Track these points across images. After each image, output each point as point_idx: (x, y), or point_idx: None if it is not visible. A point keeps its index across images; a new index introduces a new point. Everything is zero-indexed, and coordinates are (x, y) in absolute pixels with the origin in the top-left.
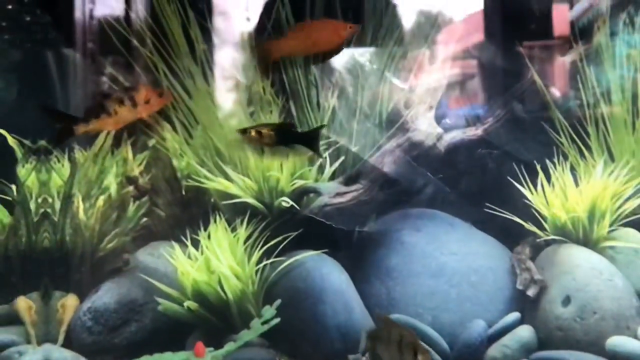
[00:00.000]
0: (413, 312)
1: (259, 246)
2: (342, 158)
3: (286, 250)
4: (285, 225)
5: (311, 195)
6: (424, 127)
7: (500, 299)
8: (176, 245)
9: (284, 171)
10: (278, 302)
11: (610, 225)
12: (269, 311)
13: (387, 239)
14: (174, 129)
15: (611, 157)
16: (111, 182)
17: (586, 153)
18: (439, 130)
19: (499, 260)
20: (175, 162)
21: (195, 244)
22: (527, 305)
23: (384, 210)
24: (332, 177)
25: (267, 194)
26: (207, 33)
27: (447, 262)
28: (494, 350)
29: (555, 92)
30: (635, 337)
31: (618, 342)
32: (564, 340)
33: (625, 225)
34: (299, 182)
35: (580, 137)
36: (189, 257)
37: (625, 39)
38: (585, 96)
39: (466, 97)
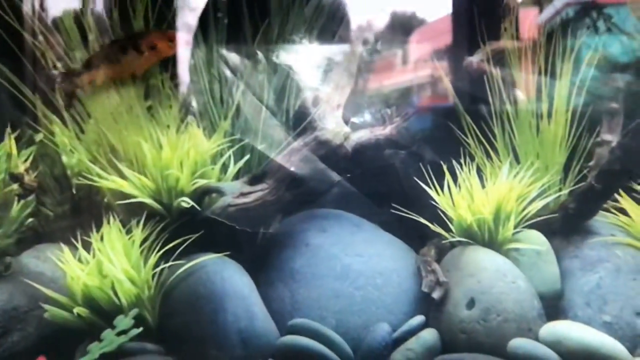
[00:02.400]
0: (317, 316)
1: (157, 249)
2: (247, 156)
3: (186, 253)
4: (185, 227)
5: (213, 195)
6: (332, 125)
7: (405, 301)
8: (65, 248)
9: (184, 169)
10: (135, 311)
11: (515, 227)
12: (123, 321)
13: (292, 240)
14: (64, 123)
15: (516, 158)
16: None
17: (492, 154)
18: (347, 129)
19: (404, 262)
20: (65, 159)
21: (87, 246)
22: (432, 308)
23: (289, 210)
24: (236, 176)
25: (166, 193)
26: (102, 23)
27: (352, 264)
28: (398, 354)
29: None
30: (537, 339)
31: (519, 344)
32: (468, 343)
33: (529, 227)
34: (201, 182)
35: (487, 138)
36: (80, 260)
37: (587, 42)
38: (491, 97)
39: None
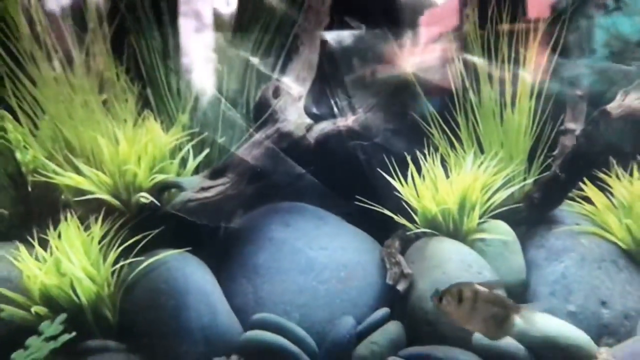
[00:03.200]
0: (281, 310)
1: (116, 246)
2: (207, 150)
3: (146, 249)
4: (145, 223)
5: (173, 190)
6: (294, 117)
7: (370, 294)
8: (21, 246)
9: (142, 165)
10: (63, 316)
11: (480, 217)
12: (50, 327)
13: (255, 234)
14: (17, 119)
15: (481, 148)
16: None
17: (456, 144)
18: (309, 120)
19: (369, 254)
20: (19, 156)
21: (44, 244)
22: (397, 300)
23: (251, 204)
24: (196, 170)
25: (124, 189)
26: (53, 16)
27: (317, 258)
28: (362, 347)
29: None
30: None
31: None
32: (433, 335)
33: (494, 217)
34: (159, 177)
35: (451, 128)
36: (37, 258)
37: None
38: (454, 86)
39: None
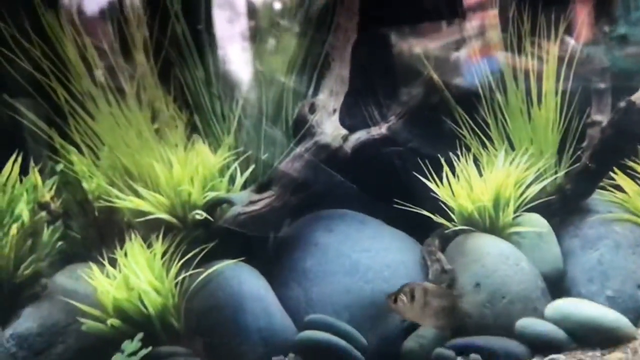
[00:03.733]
0: (330, 311)
1: (177, 260)
2: (252, 167)
3: (204, 261)
4: (201, 237)
5: (224, 205)
6: (330, 130)
7: None
8: (94, 266)
9: (194, 184)
10: (140, 335)
11: (515, 211)
12: (130, 345)
13: (302, 241)
14: (80, 152)
15: (511, 145)
16: (23, 209)
17: (487, 143)
18: (345, 131)
19: (410, 253)
20: (85, 185)
21: (113, 263)
22: None
23: (297, 214)
24: (244, 186)
25: (180, 208)
26: (105, 56)
27: (360, 260)
28: (410, 341)
29: None
30: (542, 317)
31: (526, 323)
32: (476, 326)
33: (529, 210)
34: (211, 194)
35: (481, 128)
36: (108, 276)
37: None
38: (481, 88)
39: None
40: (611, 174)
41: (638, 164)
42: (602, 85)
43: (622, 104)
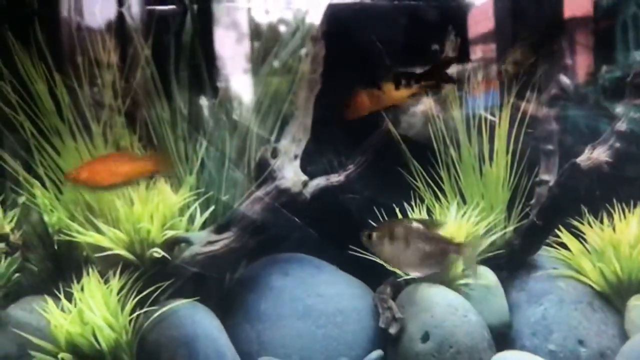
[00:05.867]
0: (282, 354)
1: (132, 296)
2: (212, 207)
3: (159, 299)
4: (158, 275)
5: (182, 244)
6: (290, 175)
7: (365, 337)
8: (49, 299)
9: (154, 222)
10: None
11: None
12: None
13: (257, 284)
14: (44, 185)
15: (463, 199)
16: None
17: (440, 196)
18: (305, 177)
19: (363, 300)
20: (46, 218)
21: (69, 297)
22: (389, 342)
23: (254, 256)
24: (203, 226)
25: (139, 245)
26: (74, 93)
27: (314, 304)
28: None
29: None
30: None
31: None
32: None
33: (478, 263)
34: (170, 233)
35: (435, 181)
36: (63, 310)
37: None
38: (435, 142)
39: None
40: (557, 231)
41: (582, 223)
42: (549, 147)
43: (567, 165)
